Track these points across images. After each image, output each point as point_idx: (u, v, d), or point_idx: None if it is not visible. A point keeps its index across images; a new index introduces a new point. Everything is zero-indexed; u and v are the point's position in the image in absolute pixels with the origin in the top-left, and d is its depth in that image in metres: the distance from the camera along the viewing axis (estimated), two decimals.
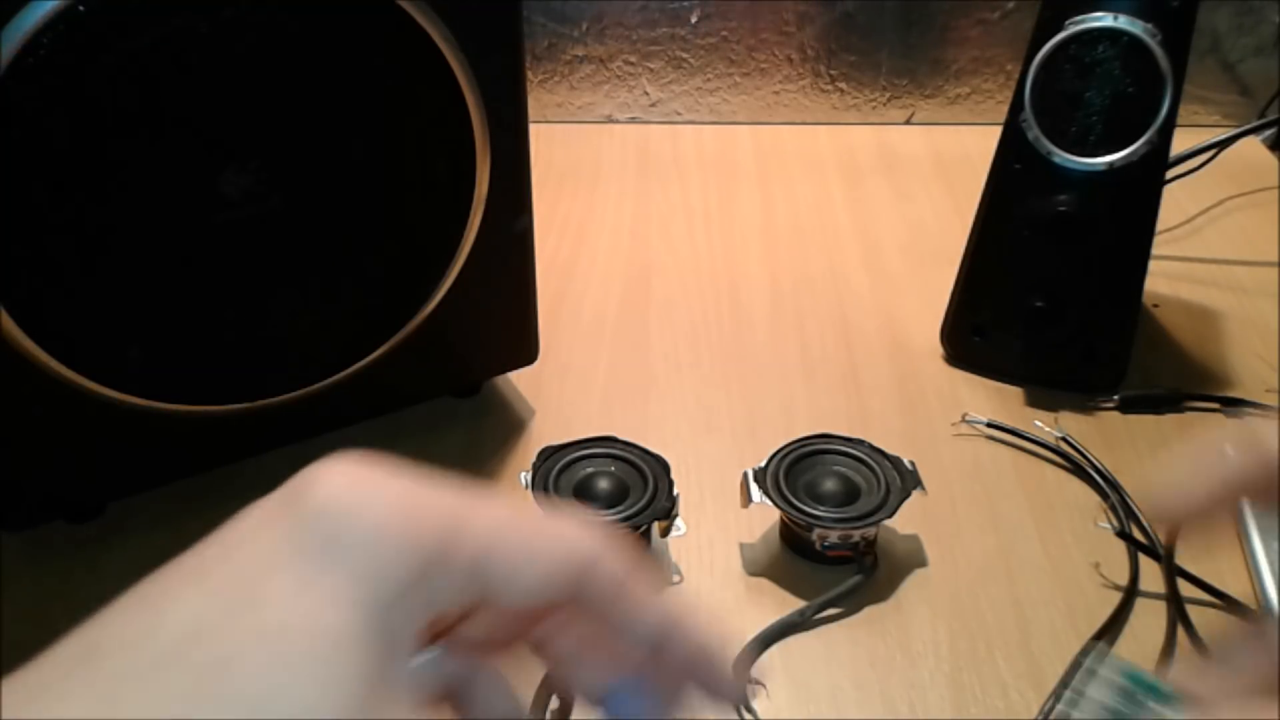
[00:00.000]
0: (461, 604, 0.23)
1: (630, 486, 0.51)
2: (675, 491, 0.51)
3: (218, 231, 0.47)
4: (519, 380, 0.64)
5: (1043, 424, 0.60)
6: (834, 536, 0.51)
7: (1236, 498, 0.28)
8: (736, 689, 0.27)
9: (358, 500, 0.21)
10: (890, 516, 0.50)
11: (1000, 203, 0.62)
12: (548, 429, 0.60)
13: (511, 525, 0.23)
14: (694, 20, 0.90)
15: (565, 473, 0.52)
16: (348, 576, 0.20)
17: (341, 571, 0.20)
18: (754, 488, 0.51)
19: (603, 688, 0.27)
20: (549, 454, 0.53)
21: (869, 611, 0.51)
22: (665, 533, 0.51)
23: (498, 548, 0.23)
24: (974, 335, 0.65)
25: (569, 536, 0.24)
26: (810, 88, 0.93)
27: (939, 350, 0.67)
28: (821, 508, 0.51)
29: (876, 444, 0.54)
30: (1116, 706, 0.25)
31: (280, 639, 0.19)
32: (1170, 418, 0.62)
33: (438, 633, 0.25)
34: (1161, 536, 0.26)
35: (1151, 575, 0.52)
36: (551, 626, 0.27)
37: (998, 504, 0.56)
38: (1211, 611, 0.50)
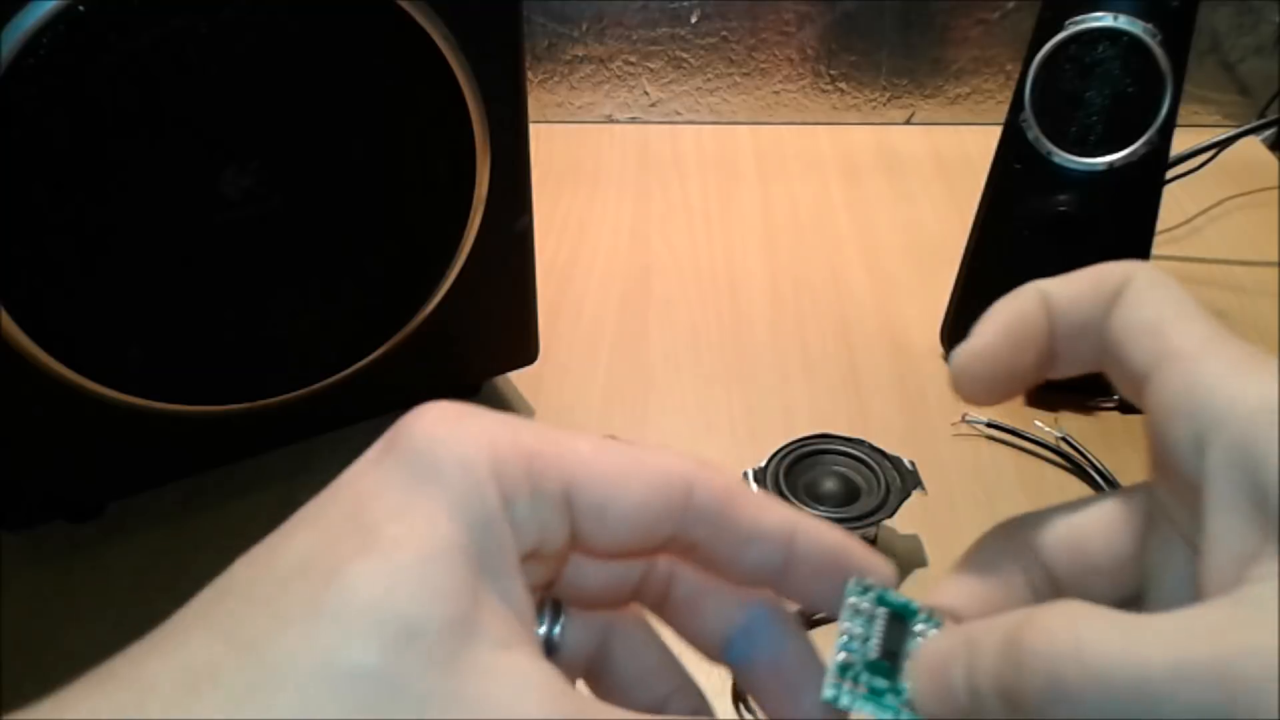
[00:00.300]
0: (558, 535, 0.23)
1: None
2: None
3: (218, 232, 0.47)
4: (519, 380, 0.64)
5: (1043, 424, 0.60)
6: None
7: (1033, 337, 0.26)
8: (886, 567, 0.25)
9: (451, 432, 0.22)
10: (890, 516, 0.50)
11: (1000, 203, 0.62)
12: None
13: (601, 454, 0.23)
14: (694, 20, 0.90)
15: None
16: (444, 497, 0.21)
17: (438, 493, 0.21)
18: (754, 488, 0.51)
19: (731, 626, 0.26)
20: None
21: None
22: None
23: (586, 475, 0.22)
24: None
25: (659, 461, 0.23)
26: (810, 88, 0.93)
27: (939, 350, 0.67)
28: (821, 508, 0.51)
29: (876, 444, 0.54)
30: (869, 632, 0.24)
31: (386, 551, 0.20)
32: None
33: (547, 583, 0.24)
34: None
35: None
36: (663, 573, 0.26)
37: (998, 504, 0.56)
38: None
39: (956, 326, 0.65)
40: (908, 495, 0.51)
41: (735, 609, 0.26)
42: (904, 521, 0.53)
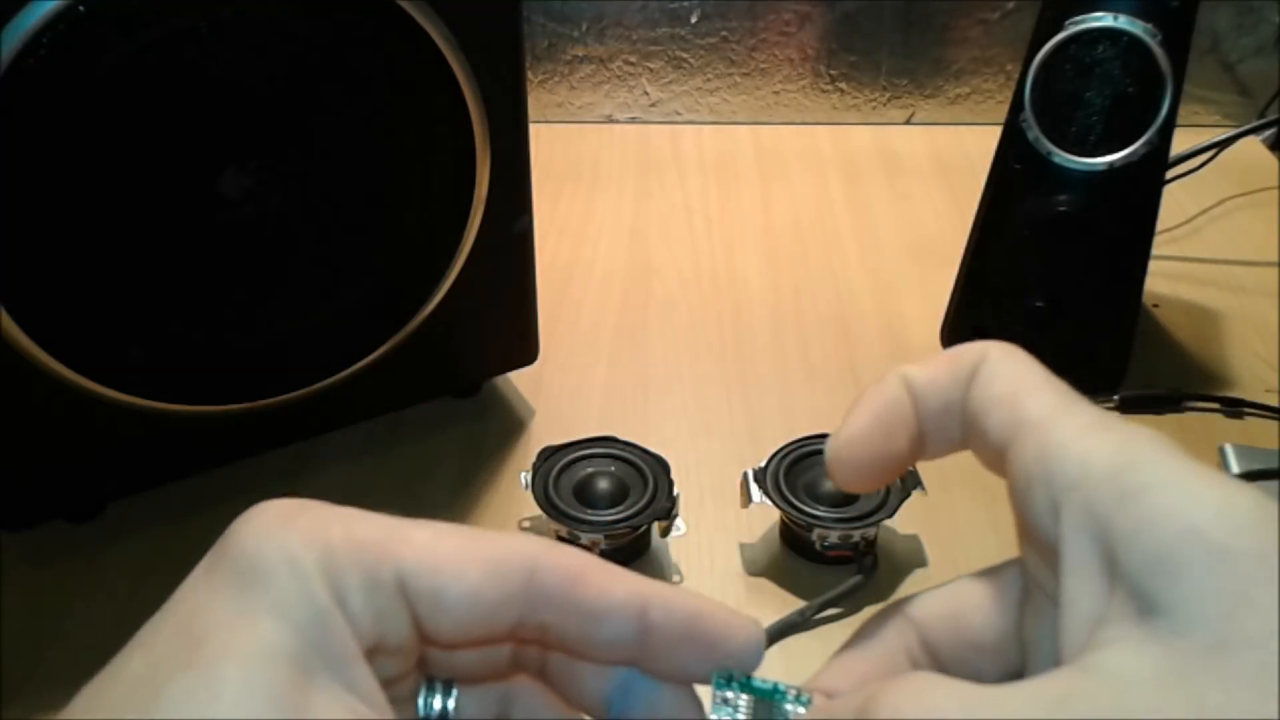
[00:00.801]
0: (400, 626, 0.23)
1: (630, 486, 0.51)
2: (675, 491, 0.51)
3: (218, 232, 0.47)
4: (519, 380, 0.64)
5: None
6: (834, 536, 0.51)
7: (902, 424, 0.25)
8: (749, 627, 0.24)
9: (277, 532, 0.22)
10: (890, 516, 0.50)
11: (1000, 203, 0.62)
12: (548, 429, 0.60)
13: (437, 540, 0.23)
14: (694, 20, 0.90)
15: (565, 473, 0.52)
16: (269, 600, 0.21)
17: (264, 597, 0.21)
18: (754, 488, 0.51)
19: (608, 684, 0.26)
20: (549, 454, 0.53)
21: (869, 611, 0.50)
22: (665, 533, 0.51)
23: (419, 563, 0.22)
24: (974, 335, 0.64)
25: (498, 544, 0.23)
26: (810, 88, 0.93)
27: (939, 350, 0.66)
28: (821, 508, 0.51)
29: None
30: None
31: (209, 662, 0.20)
32: (1170, 418, 0.62)
33: (405, 673, 0.24)
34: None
35: None
36: (531, 647, 0.26)
37: (998, 504, 0.56)
38: None
39: (956, 326, 0.65)
40: (908, 495, 0.51)
41: (609, 668, 0.26)
42: (904, 521, 0.53)
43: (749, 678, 0.24)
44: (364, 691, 0.22)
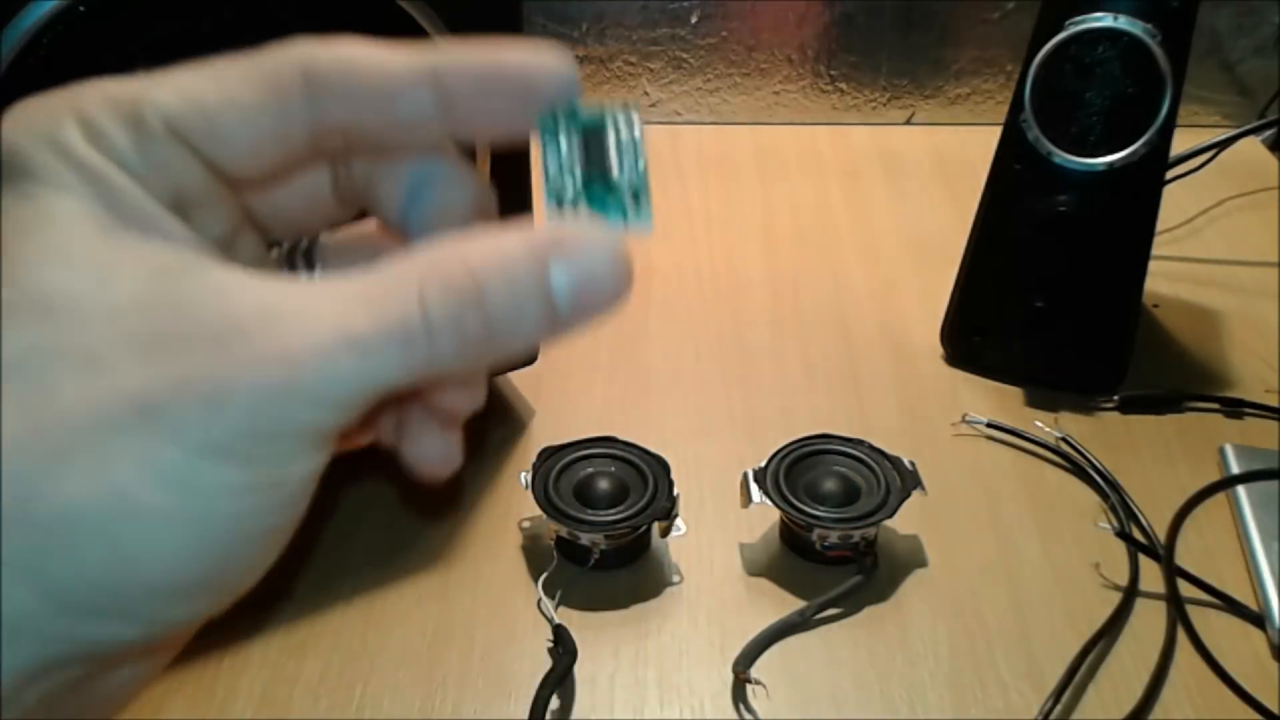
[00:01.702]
0: (192, 173, 0.22)
1: (630, 486, 0.51)
2: (675, 491, 0.51)
3: None
4: (519, 380, 0.64)
5: (1043, 424, 0.60)
6: (834, 536, 0.51)
7: None
8: (552, 53, 0.23)
9: (33, 117, 0.21)
10: (890, 516, 0.50)
11: (1000, 203, 0.62)
12: (548, 429, 0.60)
13: (198, 76, 0.22)
14: (694, 20, 0.90)
15: (565, 473, 0.52)
16: (48, 182, 0.20)
17: (42, 181, 0.21)
18: (754, 488, 0.51)
19: (401, 190, 0.24)
20: (549, 454, 0.53)
21: (869, 611, 0.51)
22: (665, 533, 0.51)
23: (182, 102, 0.21)
24: (974, 335, 0.65)
25: (265, 58, 0.22)
26: (810, 88, 0.93)
27: (939, 350, 0.67)
28: (821, 508, 0.51)
29: (876, 444, 0.54)
30: (571, 158, 0.23)
31: (12, 253, 0.20)
32: (1170, 418, 0.62)
33: (236, 226, 0.24)
34: None
35: (1151, 575, 0.52)
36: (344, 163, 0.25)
37: (998, 504, 0.56)
38: (1212, 611, 0.51)
39: (956, 326, 0.66)
40: (908, 495, 0.51)
41: (404, 173, 0.24)
42: (904, 521, 0.53)
43: (574, 110, 0.23)
44: (178, 237, 0.21)
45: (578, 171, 0.23)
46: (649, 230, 0.23)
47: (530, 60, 0.22)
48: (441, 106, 0.22)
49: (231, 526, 0.20)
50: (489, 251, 0.20)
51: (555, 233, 0.21)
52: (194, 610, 0.21)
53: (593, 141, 0.23)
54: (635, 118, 0.23)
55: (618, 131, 0.23)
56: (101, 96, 0.21)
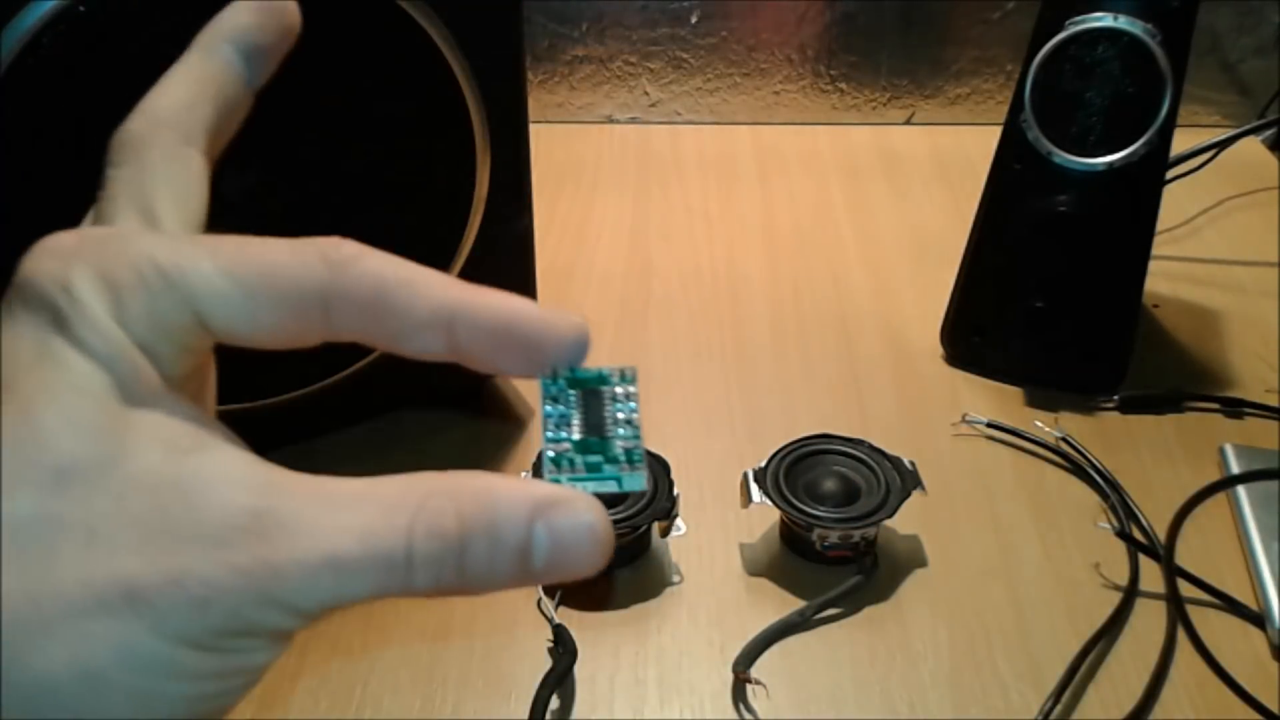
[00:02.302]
0: (200, 349, 0.23)
1: None
2: (675, 491, 0.51)
3: (216, 233, 0.47)
4: (519, 380, 0.64)
5: (1043, 424, 0.60)
6: (834, 536, 0.51)
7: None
8: (567, 325, 0.23)
9: (66, 271, 0.22)
10: (890, 516, 0.50)
11: (1000, 203, 0.62)
12: None
13: (229, 280, 0.22)
14: (694, 20, 0.90)
15: None
16: (73, 342, 0.21)
17: (67, 339, 0.21)
18: (754, 488, 0.51)
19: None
20: None
21: (869, 611, 0.51)
22: (665, 533, 0.51)
23: (211, 301, 0.22)
24: (974, 335, 0.65)
25: (292, 277, 0.23)
26: (810, 88, 0.93)
27: (939, 350, 0.67)
28: (821, 508, 0.51)
29: (876, 444, 0.54)
30: (570, 415, 0.25)
31: (27, 405, 0.20)
32: (1170, 418, 0.62)
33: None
34: None
35: (1151, 575, 0.52)
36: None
37: (998, 504, 0.56)
38: (1212, 611, 0.51)
39: (956, 326, 0.66)
40: (908, 495, 0.51)
41: None
42: (904, 521, 0.53)
43: (574, 370, 0.24)
44: (183, 414, 0.22)
45: (575, 426, 0.24)
46: (641, 489, 0.25)
47: (545, 327, 0.23)
48: (450, 349, 0.23)
49: (191, 705, 0.21)
50: (482, 502, 0.21)
51: (547, 495, 0.22)
52: None
53: (591, 401, 0.25)
54: (631, 380, 0.25)
55: (614, 393, 0.25)
56: (133, 272, 0.22)
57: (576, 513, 0.22)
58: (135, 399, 0.21)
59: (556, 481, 0.24)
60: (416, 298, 0.23)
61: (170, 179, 0.26)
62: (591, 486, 0.24)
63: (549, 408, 0.24)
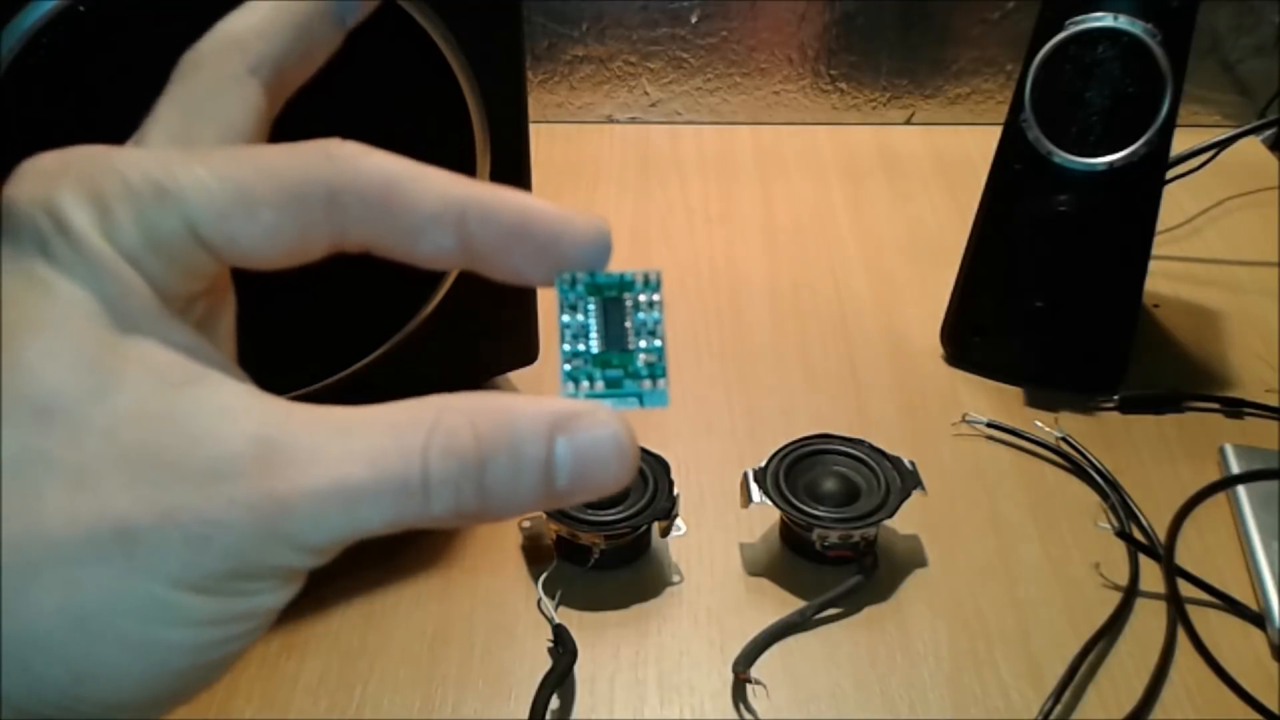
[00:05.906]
0: (201, 263, 0.21)
1: (631, 486, 0.51)
2: (675, 491, 0.51)
3: None
4: (519, 380, 0.64)
5: (1043, 424, 0.60)
6: (834, 536, 0.51)
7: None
8: (587, 223, 0.22)
9: (50, 190, 0.21)
10: (890, 516, 0.50)
11: (1000, 203, 0.62)
12: None
13: (224, 181, 0.20)
14: (694, 20, 0.90)
15: None
16: (57, 266, 0.20)
17: (51, 263, 0.20)
18: (754, 488, 0.51)
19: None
20: None
21: (869, 611, 0.51)
22: (665, 533, 0.51)
23: (206, 210, 0.20)
24: (974, 335, 0.65)
25: (294, 168, 0.21)
26: (810, 88, 0.93)
27: (939, 350, 0.67)
28: (821, 508, 0.51)
29: (876, 444, 0.54)
30: (587, 324, 0.23)
31: (11, 338, 0.19)
32: (1170, 418, 0.62)
33: (222, 285, 0.23)
34: None
35: (1151, 575, 0.52)
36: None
37: (998, 504, 0.56)
38: (1212, 611, 0.51)
39: (956, 326, 0.66)
40: (908, 495, 0.51)
41: None
42: (904, 521, 0.53)
43: (593, 275, 0.22)
44: (181, 343, 0.21)
45: (594, 338, 0.23)
46: (664, 405, 0.23)
47: (564, 224, 0.22)
48: (462, 248, 0.22)
49: (194, 654, 0.20)
50: (500, 419, 0.20)
51: (566, 409, 0.20)
52: (144, 717, 0.21)
53: (612, 309, 0.23)
54: (656, 286, 0.23)
55: (637, 301, 0.23)
56: (121, 182, 0.20)
57: (598, 424, 0.20)
58: (128, 322, 0.20)
59: (573, 398, 0.22)
60: (427, 189, 0.22)
61: (220, 105, 0.24)
62: (611, 404, 0.22)
63: (566, 317, 0.22)
